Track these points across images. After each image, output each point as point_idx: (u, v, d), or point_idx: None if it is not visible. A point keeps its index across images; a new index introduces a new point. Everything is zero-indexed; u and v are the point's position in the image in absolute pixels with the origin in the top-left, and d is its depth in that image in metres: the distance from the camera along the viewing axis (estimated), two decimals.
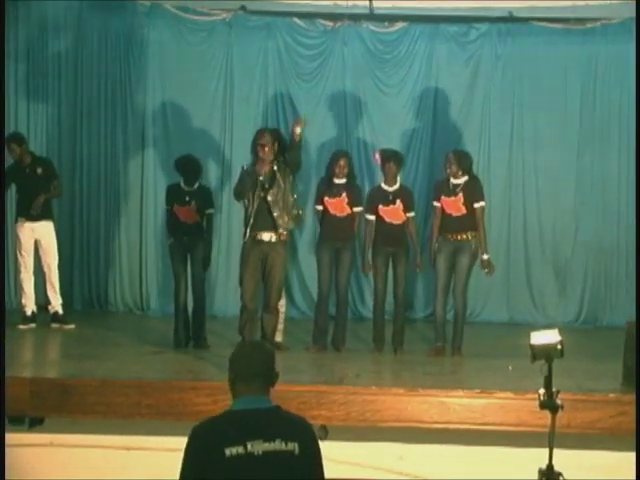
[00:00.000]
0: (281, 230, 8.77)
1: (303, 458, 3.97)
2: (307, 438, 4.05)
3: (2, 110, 10.82)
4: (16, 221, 10.69)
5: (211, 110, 12.17)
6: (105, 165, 12.28)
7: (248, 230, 8.80)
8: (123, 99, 12.23)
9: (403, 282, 9.66)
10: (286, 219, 8.79)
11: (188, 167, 9.88)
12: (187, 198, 9.74)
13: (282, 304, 9.65)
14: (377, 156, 10.00)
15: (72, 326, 10.68)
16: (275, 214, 8.73)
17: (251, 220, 8.77)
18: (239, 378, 4.06)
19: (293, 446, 3.95)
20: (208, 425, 4.01)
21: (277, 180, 8.74)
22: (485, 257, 9.47)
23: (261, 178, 8.73)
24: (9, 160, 10.71)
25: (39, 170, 10.66)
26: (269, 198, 8.73)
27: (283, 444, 3.93)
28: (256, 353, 4.15)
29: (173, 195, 9.87)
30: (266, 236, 8.77)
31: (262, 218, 8.74)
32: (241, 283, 8.91)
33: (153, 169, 12.20)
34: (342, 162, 9.66)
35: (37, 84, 12.19)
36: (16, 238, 10.68)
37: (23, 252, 10.60)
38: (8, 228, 11.37)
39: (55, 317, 10.70)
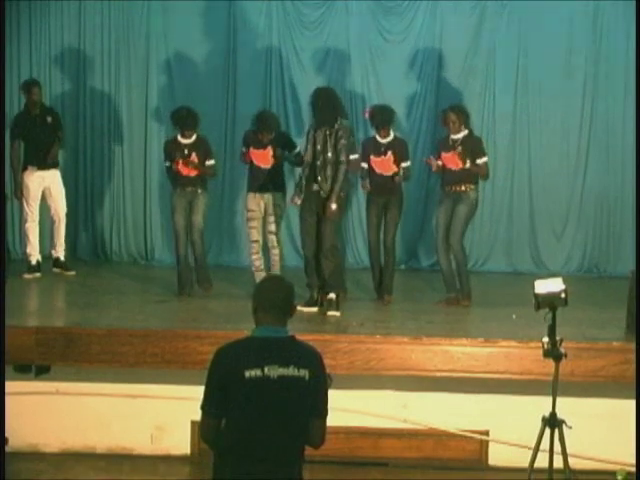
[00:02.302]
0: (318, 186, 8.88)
1: (312, 384, 4.37)
2: (317, 367, 4.43)
3: (2, 88, 10.70)
4: (24, 169, 10.60)
5: (215, 60, 12.06)
6: (109, 116, 12.21)
7: (304, 182, 8.97)
8: (126, 50, 12.14)
9: (392, 230, 9.66)
10: (326, 180, 8.86)
11: (185, 119, 9.76)
12: (186, 151, 9.69)
13: (276, 253, 9.74)
14: (367, 112, 9.97)
15: (73, 272, 10.77)
16: (320, 171, 8.85)
17: (306, 173, 8.96)
18: (259, 308, 4.43)
19: (304, 373, 4.35)
20: (230, 348, 4.41)
21: (327, 143, 8.81)
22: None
23: (316, 134, 8.90)
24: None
25: (49, 119, 10.65)
26: (318, 150, 8.85)
27: (296, 370, 4.34)
28: (275, 287, 4.53)
29: (172, 150, 9.77)
30: (317, 187, 8.90)
31: (314, 173, 8.88)
32: (300, 230, 9.27)
33: (157, 120, 12.12)
34: None
35: (39, 32, 12.10)
36: (25, 187, 10.58)
37: (31, 201, 10.58)
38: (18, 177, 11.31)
39: (57, 263, 10.78)
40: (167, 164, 9.88)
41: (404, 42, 12.03)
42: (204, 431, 4.41)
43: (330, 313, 8.78)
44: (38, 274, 10.57)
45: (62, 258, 10.79)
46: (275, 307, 4.40)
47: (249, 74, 12.03)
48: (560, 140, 12.00)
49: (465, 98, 11.56)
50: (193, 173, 9.68)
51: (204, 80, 12.02)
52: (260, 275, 9.54)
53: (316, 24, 12.08)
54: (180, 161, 9.63)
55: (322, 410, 4.43)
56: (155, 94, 12.15)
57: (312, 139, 8.89)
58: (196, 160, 9.66)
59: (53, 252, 10.77)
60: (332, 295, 8.87)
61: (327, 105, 8.90)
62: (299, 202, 9.07)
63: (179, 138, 9.80)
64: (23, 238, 10.96)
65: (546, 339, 6.01)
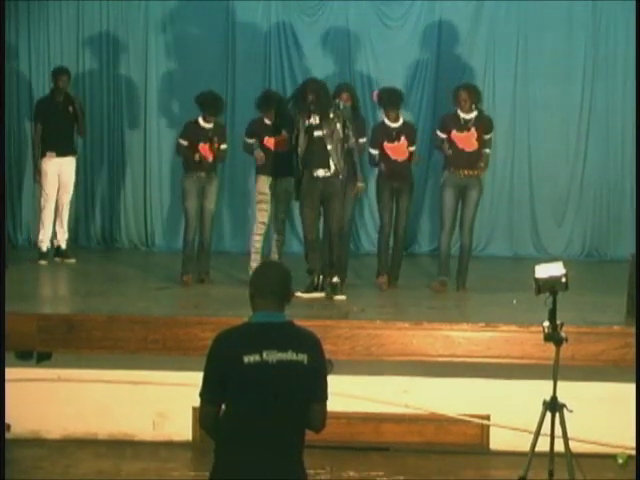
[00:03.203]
0: (333, 167, 8.79)
1: (310, 368, 4.36)
2: (315, 351, 4.42)
3: (2, 91, 10.68)
4: (43, 155, 10.60)
5: (214, 44, 12.05)
6: (108, 102, 12.20)
7: (302, 168, 8.87)
8: (124, 36, 12.12)
9: (404, 217, 9.66)
10: (340, 161, 8.78)
11: (212, 103, 9.65)
12: (210, 134, 9.61)
13: (279, 239, 9.76)
14: (375, 95, 9.92)
15: (73, 260, 10.79)
16: (329, 151, 8.76)
17: (303, 159, 8.83)
18: (257, 294, 4.43)
19: (303, 357, 4.34)
20: (228, 335, 4.41)
21: (328, 123, 8.76)
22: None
23: (310, 121, 8.78)
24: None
25: (70, 109, 10.68)
26: (316, 135, 8.76)
27: (294, 355, 4.32)
28: (272, 272, 4.52)
29: (194, 132, 9.64)
30: (321, 172, 8.79)
31: (315, 156, 8.78)
32: (301, 215, 9.11)
33: (156, 105, 12.12)
34: (344, 96, 9.56)
35: (38, 25, 12.07)
36: (43, 173, 10.58)
37: (48, 188, 10.59)
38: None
39: (58, 251, 10.81)
40: (185, 143, 9.65)
41: (404, 25, 12.02)
42: (203, 418, 4.41)
43: (337, 297, 8.80)
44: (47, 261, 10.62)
45: (63, 247, 10.81)
46: (272, 293, 4.39)
47: (248, 58, 12.03)
48: (560, 125, 12.00)
49: (465, 81, 11.51)
50: (211, 157, 9.63)
51: (203, 64, 11.99)
52: (257, 257, 9.54)
53: (315, 9, 12.07)
54: (206, 146, 9.54)
55: (322, 394, 4.43)
56: (154, 79, 12.13)
57: (307, 125, 8.77)
58: (216, 145, 9.62)
59: (55, 241, 10.79)
60: (336, 279, 8.87)
61: (323, 92, 8.87)
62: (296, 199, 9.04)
63: (201, 122, 9.67)
64: (37, 224, 10.92)
65: (547, 323, 6.02)
